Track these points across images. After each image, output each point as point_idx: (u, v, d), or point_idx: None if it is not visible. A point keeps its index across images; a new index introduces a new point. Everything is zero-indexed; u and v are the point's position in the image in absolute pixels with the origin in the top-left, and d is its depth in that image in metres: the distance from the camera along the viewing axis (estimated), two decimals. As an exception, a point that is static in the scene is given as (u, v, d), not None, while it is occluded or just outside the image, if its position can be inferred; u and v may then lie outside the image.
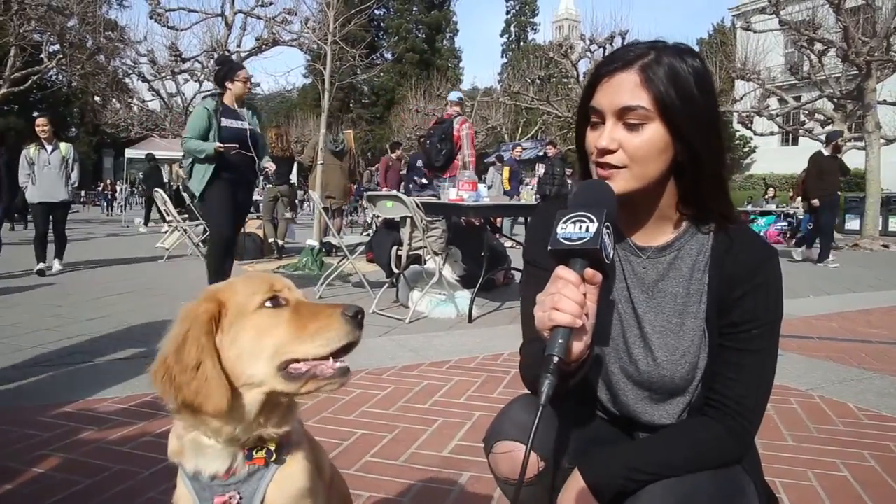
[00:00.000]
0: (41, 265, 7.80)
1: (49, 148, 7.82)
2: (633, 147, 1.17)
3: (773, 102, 21.14)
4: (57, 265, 7.97)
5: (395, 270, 5.54)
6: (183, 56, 19.72)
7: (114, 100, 25.01)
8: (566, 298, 1.05)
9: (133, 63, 21.37)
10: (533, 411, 1.33)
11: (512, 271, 6.67)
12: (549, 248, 1.09)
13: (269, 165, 5.78)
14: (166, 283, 7.21)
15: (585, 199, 1.13)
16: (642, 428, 1.36)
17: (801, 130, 20.64)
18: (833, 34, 16.96)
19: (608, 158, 1.19)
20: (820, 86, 18.45)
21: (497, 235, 6.21)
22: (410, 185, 8.84)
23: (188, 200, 10.29)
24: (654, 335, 1.29)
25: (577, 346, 1.09)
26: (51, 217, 8.02)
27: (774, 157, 30.27)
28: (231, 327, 1.02)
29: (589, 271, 1.07)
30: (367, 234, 8.46)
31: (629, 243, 1.33)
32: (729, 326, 1.24)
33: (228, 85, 5.57)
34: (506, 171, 14.70)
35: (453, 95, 7.64)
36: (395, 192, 5.82)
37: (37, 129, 7.80)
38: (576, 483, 1.25)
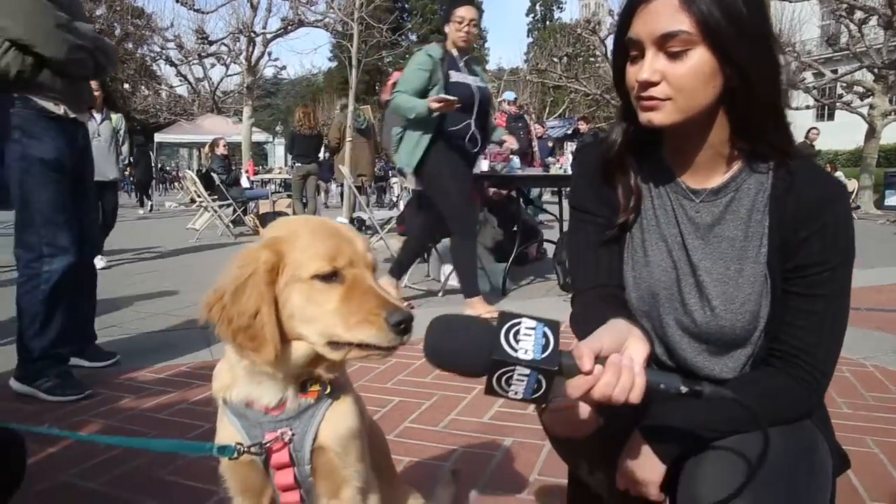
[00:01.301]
0: (104, 261, 6.50)
1: (98, 117, 6.53)
2: (678, 76, 1.06)
3: (807, 76, 20.51)
4: (100, 262, 6.18)
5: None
6: (209, 39, 19.80)
7: (142, 86, 25.32)
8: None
9: (160, 48, 21.55)
10: None
11: (544, 246, 6.56)
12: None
13: (509, 139, 4.78)
14: (197, 263, 7.25)
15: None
16: None
17: (838, 104, 20.01)
18: (875, 0, 16.33)
19: (651, 91, 1.09)
20: (859, 57, 17.82)
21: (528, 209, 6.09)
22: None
23: (217, 181, 10.33)
24: (711, 284, 1.19)
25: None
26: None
27: (810, 133, 29.44)
28: (286, 286, 1.00)
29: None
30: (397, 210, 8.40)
31: (681, 185, 1.22)
32: (795, 270, 1.14)
33: (446, 29, 4.25)
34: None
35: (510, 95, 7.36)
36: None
37: None
38: (637, 443, 1.18)
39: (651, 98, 1.10)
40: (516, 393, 0.89)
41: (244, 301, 0.97)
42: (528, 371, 0.87)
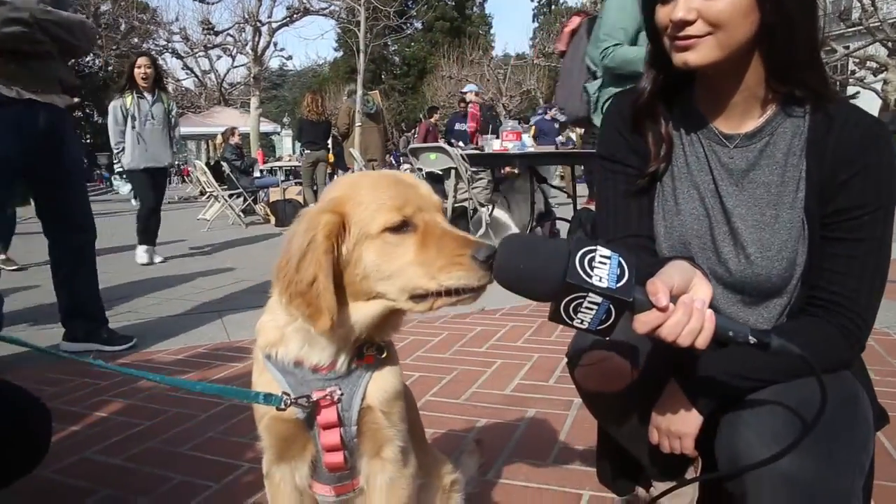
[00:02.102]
0: (147, 252, 6.08)
1: (149, 98, 5.87)
2: (716, 11, 1.03)
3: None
4: (143, 255, 6.12)
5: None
6: (215, 29, 19.78)
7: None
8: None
9: (166, 41, 21.56)
10: (621, 324, 1.22)
11: (557, 226, 6.52)
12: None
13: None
14: (206, 245, 7.25)
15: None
16: None
17: (851, 80, 19.73)
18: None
19: (688, 30, 1.05)
20: (873, 31, 17.54)
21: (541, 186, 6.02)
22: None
23: (228, 170, 10.32)
24: (746, 230, 1.16)
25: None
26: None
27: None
28: (356, 246, 0.95)
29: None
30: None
31: (713, 131, 1.19)
32: (834, 215, 1.10)
33: None
34: (532, 130, 14.32)
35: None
36: (438, 143, 5.68)
37: (136, 71, 5.80)
38: (673, 394, 1.15)
39: (687, 37, 1.06)
40: (582, 322, 0.86)
41: (303, 269, 0.93)
42: (599, 300, 0.84)
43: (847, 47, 20.45)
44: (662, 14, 1.10)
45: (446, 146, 4.92)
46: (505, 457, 1.93)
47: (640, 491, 1.47)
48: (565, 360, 1.28)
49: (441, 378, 2.63)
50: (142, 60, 5.90)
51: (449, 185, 4.97)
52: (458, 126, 11.31)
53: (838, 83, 21.41)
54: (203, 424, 2.24)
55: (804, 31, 1.07)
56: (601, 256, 0.86)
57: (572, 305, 0.85)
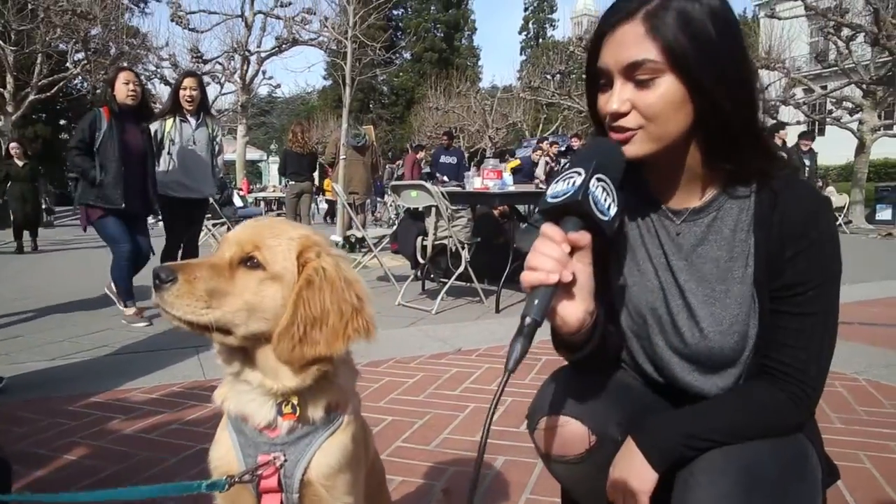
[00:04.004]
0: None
1: (193, 122, 5.26)
2: (646, 105, 1.05)
3: (798, 92, 20.70)
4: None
5: (421, 261, 5.47)
6: (204, 57, 19.90)
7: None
8: (541, 255, 0.97)
9: (155, 67, 21.62)
10: (581, 384, 1.25)
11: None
12: (537, 209, 1.02)
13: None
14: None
15: (581, 156, 1.05)
16: (693, 400, 1.26)
17: (828, 119, 20.20)
18: (862, 18, 16.55)
19: (622, 122, 1.08)
20: (848, 73, 18.03)
21: (522, 225, 6.11)
22: (433, 181, 8.82)
23: (211, 200, 10.32)
24: (699, 305, 1.18)
25: (571, 311, 1.01)
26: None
27: (800, 148, 29.60)
28: None
29: (573, 235, 0.99)
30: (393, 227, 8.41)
31: (660, 206, 1.22)
32: (782, 290, 1.13)
33: None
34: (512, 163, 14.34)
35: None
36: (419, 181, 5.74)
37: (181, 94, 5.19)
38: (629, 452, 1.17)
39: (622, 129, 1.08)
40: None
41: None
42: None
43: (825, 87, 20.99)
44: (602, 102, 1.12)
45: (427, 184, 4.98)
46: (472, 508, 1.93)
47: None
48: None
49: (413, 423, 2.63)
50: (188, 82, 5.25)
51: (429, 222, 5.03)
52: (443, 159, 11.45)
53: (816, 122, 21.90)
54: (175, 468, 2.22)
55: (740, 120, 1.09)
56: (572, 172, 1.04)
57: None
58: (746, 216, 1.17)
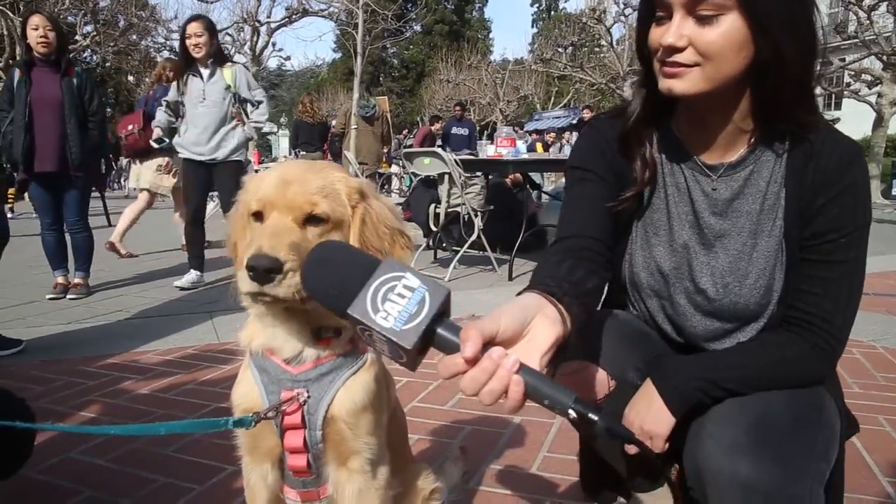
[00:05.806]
0: (194, 275, 4.77)
1: (205, 73, 4.51)
2: (707, 42, 1.00)
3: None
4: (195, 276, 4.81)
5: (434, 229, 5.44)
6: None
7: (146, 78, 25.27)
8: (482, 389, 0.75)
9: (164, 39, 21.52)
10: (598, 331, 1.23)
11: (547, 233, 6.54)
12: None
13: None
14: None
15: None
16: None
17: (846, 92, 19.84)
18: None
19: (676, 57, 1.03)
20: (868, 45, 17.64)
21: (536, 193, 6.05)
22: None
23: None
24: (727, 259, 1.17)
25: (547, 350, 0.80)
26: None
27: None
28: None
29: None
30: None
31: (696, 161, 1.18)
32: (812, 238, 1.11)
33: None
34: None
35: None
36: (433, 148, 5.69)
37: (187, 44, 4.42)
38: (647, 395, 1.15)
39: (675, 64, 1.04)
40: (383, 351, 0.76)
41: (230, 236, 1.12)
42: (385, 338, 0.72)
43: (843, 59, 20.58)
44: (655, 35, 1.07)
45: (441, 151, 4.93)
46: (488, 465, 1.93)
47: (623, 501, 1.48)
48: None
49: (428, 384, 2.63)
50: (192, 27, 4.42)
51: (442, 189, 4.98)
52: (455, 130, 11.37)
53: (833, 95, 21.55)
54: (188, 426, 2.24)
55: (798, 71, 1.04)
56: (404, 287, 0.74)
57: (365, 333, 0.75)
58: (780, 168, 1.14)
